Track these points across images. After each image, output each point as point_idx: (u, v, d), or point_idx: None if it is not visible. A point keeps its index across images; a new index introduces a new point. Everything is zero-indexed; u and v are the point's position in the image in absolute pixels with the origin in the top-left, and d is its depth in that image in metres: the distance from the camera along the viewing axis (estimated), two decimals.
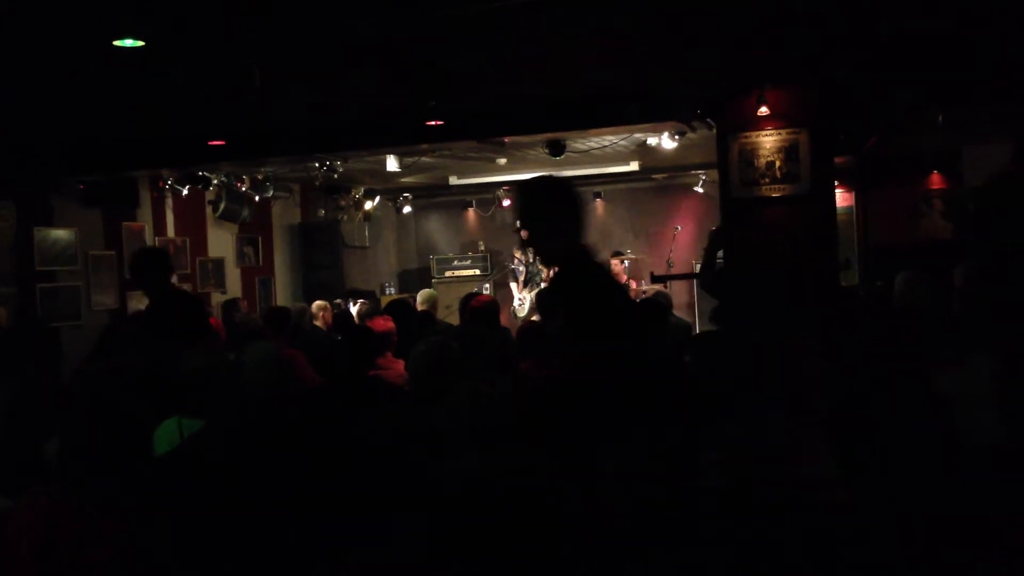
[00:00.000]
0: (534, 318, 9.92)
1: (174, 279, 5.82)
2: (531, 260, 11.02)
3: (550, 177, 3.47)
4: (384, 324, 6.12)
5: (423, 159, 9.53)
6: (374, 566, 2.02)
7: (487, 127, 7.37)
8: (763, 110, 6.05)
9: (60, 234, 8.51)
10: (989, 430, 2.34)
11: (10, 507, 2.72)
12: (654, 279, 9.35)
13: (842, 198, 10.31)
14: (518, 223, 3.30)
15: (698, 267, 6.18)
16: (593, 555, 2.39)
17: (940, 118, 7.19)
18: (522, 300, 11.02)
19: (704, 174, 11.07)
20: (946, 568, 1.85)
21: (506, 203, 12.93)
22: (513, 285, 11.28)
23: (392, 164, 9.04)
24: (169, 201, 9.92)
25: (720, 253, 5.78)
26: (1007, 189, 4.55)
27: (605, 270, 3.70)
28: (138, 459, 2.90)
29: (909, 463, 2.22)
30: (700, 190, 11.52)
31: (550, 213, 3.24)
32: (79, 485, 2.62)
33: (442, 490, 1.90)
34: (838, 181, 9.95)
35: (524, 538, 1.90)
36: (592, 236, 12.63)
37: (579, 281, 3.24)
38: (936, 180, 9.98)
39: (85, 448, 2.72)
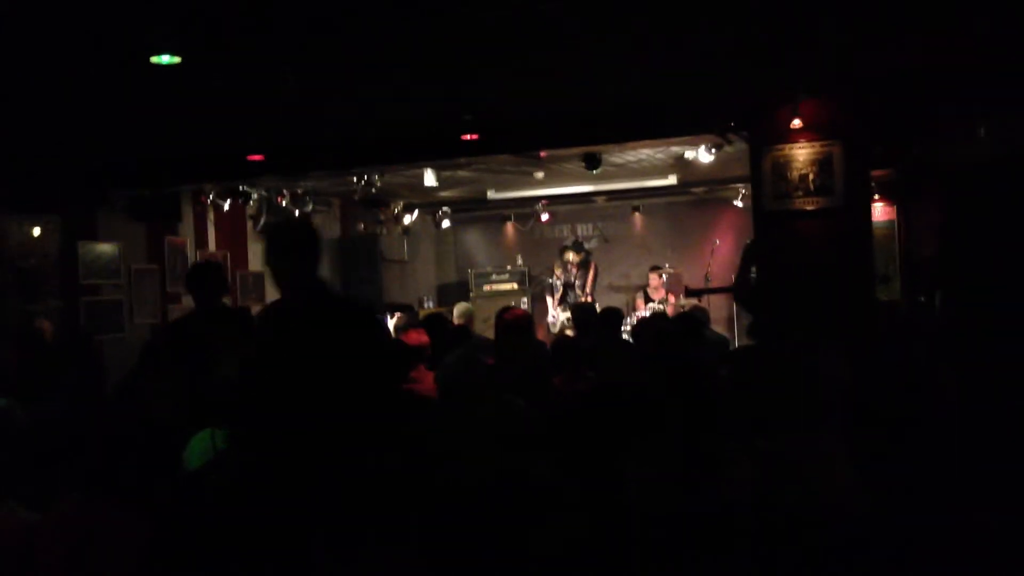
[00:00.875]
0: (568, 332, 9.90)
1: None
2: (571, 279, 11.02)
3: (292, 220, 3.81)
4: (417, 337, 6.14)
5: (460, 173, 9.57)
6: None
7: (523, 140, 7.39)
8: (796, 122, 6.00)
9: (104, 248, 8.66)
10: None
11: (39, 519, 2.76)
12: (688, 293, 9.30)
13: (884, 212, 10.18)
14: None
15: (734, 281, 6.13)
16: (613, 564, 2.38)
17: (982, 130, 7.07)
18: (555, 316, 11.02)
19: (743, 187, 10.99)
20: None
21: (544, 217, 12.93)
22: (549, 300, 11.27)
23: (430, 178, 9.09)
24: (211, 216, 10.06)
25: (754, 267, 5.74)
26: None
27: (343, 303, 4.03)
28: (170, 471, 2.95)
29: (952, 478, 2.19)
30: (739, 204, 11.44)
31: (292, 252, 3.56)
32: (111, 495, 2.66)
33: (455, 495, 1.91)
34: (880, 194, 9.86)
35: (531, 543, 1.90)
36: (631, 250, 12.61)
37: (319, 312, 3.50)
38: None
39: (121, 459, 2.76)
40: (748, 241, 6.31)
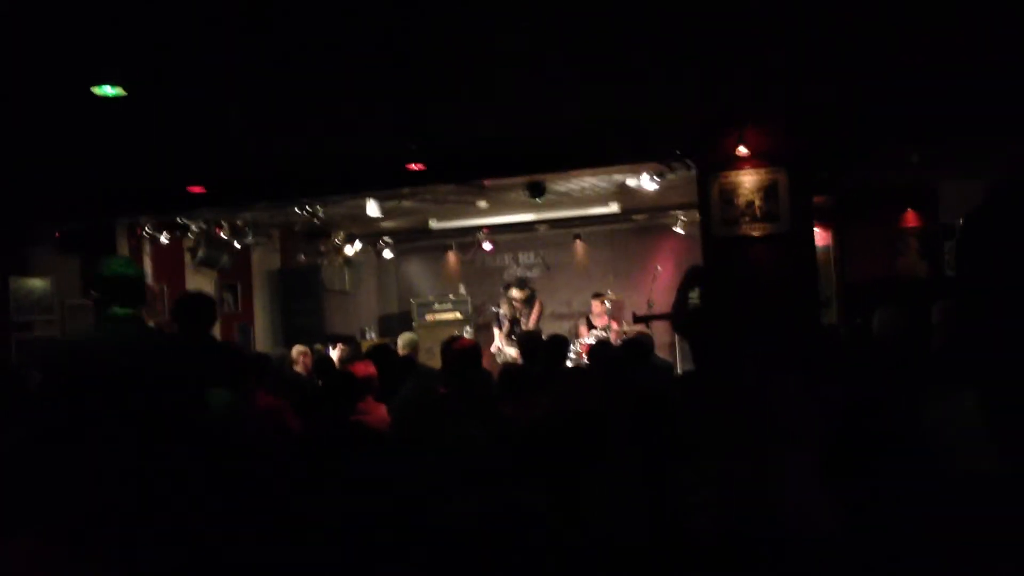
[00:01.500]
0: (510, 357, 9.88)
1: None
2: (517, 315, 11.06)
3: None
4: (365, 369, 6.07)
5: (404, 203, 9.53)
6: None
7: (468, 170, 7.40)
8: (742, 150, 6.11)
9: (36, 283, 8.42)
10: (976, 460, 2.34)
11: None
12: (636, 319, 9.35)
13: (820, 236, 10.39)
14: None
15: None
16: None
17: (915, 156, 7.28)
18: (500, 348, 11.02)
19: (683, 214, 11.14)
20: None
21: (487, 246, 12.93)
22: (496, 332, 11.27)
23: (373, 209, 9.03)
24: (147, 248, 9.85)
25: (693, 293, 5.78)
26: (983, 225, 4.59)
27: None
28: (122, 505, 2.85)
29: (897, 493, 2.22)
30: (680, 231, 11.58)
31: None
32: (62, 533, 2.55)
33: (441, 533, 1.86)
34: (816, 219, 10.06)
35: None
36: (573, 277, 12.60)
37: None
38: (912, 218, 10.08)
39: (71, 495, 2.66)
40: (687, 267, 6.37)
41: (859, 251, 10.02)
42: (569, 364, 8.09)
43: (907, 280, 9.69)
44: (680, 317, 5.58)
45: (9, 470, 2.84)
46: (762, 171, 6.12)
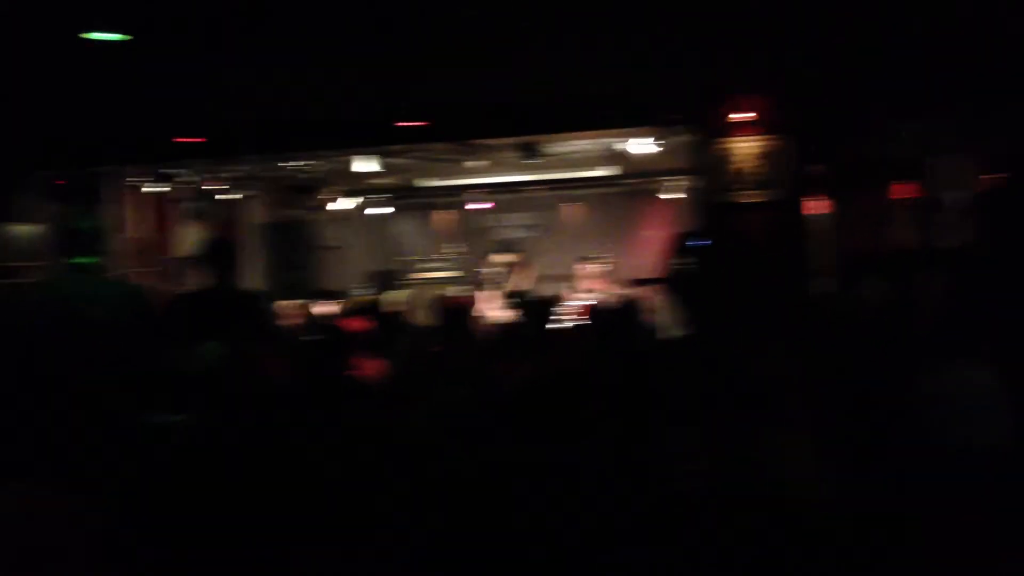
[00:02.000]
0: (507, 318, 9.89)
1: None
2: (506, 278, 11.05)
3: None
4: (357, 324, 6.10)
5: (394, 160, 9.48)
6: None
7: (460, 129, 7.35)
8: (740, 117, 6.09)
9: (24, 230, 8.36)
10: (975, 431, 2.36)
11: None
12: (636, 283, 9.36)
13: (821, 205, 10.40)
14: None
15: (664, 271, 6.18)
16: (579, 549, 2.38)
17: (907, 128, 7.27)
18: (489, 309, 11.02)
19: (677, 180, 11.12)
20: (935, 564, 1.87)
21: (477, 205, 12.89)
22: (485, 293, 11.27)
23: (362, 164, 8.98)
24: (134, 199, 9.76)
25: (682, 258, 5.78)
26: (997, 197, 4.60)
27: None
28: (120, 452, 2.87)
29: (892, 461, 2.24)
30: (672, 196, 11.56)
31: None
32: (59, 478, 2.57)
33: (434, 489, 1.87)
34: (817, 189, 10.06)
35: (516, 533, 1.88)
36: (563, 240, 12.62)
37: None
38: (904, 189, 10.07)
39: (68, 441, 2.68)
40: (679, 231, 6.37)
41: (855, 221, 10.03)
42: (555, 326, 8.11)
43: (898, 251, 9.71)
44: (671, 281, 5.60)
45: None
46: (759, 138, 6.11)
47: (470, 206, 12.98)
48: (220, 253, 5.22)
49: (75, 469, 2.66)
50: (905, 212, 9.83)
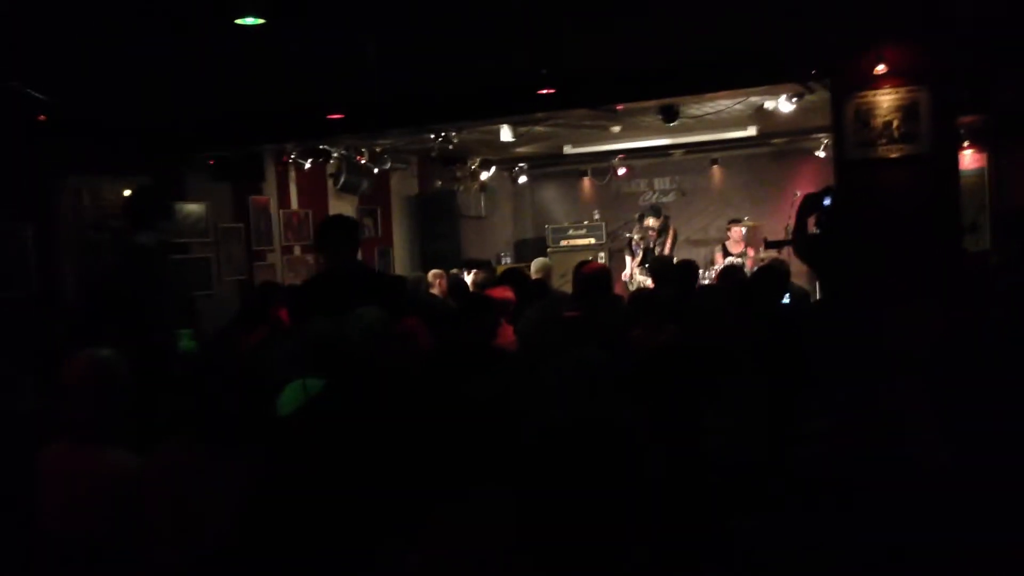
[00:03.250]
0: (647, 284, 9.86)
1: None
2: (651, 244, 10.98)
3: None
4: (502, 293, 6.24)
5: (537, 128, 9.56)
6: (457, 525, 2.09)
7: (600, 94, 7.35)
8: (880, 68, 5.84)
9: (192, 208, 8.92)
10: None
11: (142, 462, 2.92)
12: (768, 245, 9.17)
13: (973, 159, 9.86)
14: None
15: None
16: (691, 511, 2.43)
17: None
18: (632, 275, 11.00)
19: (825, 137, 10.75)
20: None
21: (621, 171, 12.84)
22: (628, 260, 11.26)
23: (506, 134, 9.11)
24: (292, 175, 10.26)
25: (813, 219, 5.60)
26: None
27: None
28: (264, 415, 3.09)
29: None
30: (821, 154, 11.20)
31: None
32: (211, 437, 2.80)
33: (532, 440, 1.97)
34: (969, 141, 9.54)
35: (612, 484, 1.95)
36: (709, 203, 12.49)
37: None
38: None
39: (219, 405, 2.90)
40: (808, 193, 6.19)
41: (1015, 175, 9.46)
42: (701, 288, 8.03)
43: None
44: (800, 243, 5.47)
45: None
46: (902, 90, 5.84)
47: (615, 172, 12.95)
48: (331, 233, 5.14)
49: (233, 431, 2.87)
50: None
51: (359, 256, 5.65)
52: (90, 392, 3.04)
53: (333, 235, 5.15)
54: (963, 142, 9.27)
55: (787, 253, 8.73)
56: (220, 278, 9.17)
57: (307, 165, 9.98)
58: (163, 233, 4.97)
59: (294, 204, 10.34)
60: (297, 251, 10.33)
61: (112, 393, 3.08)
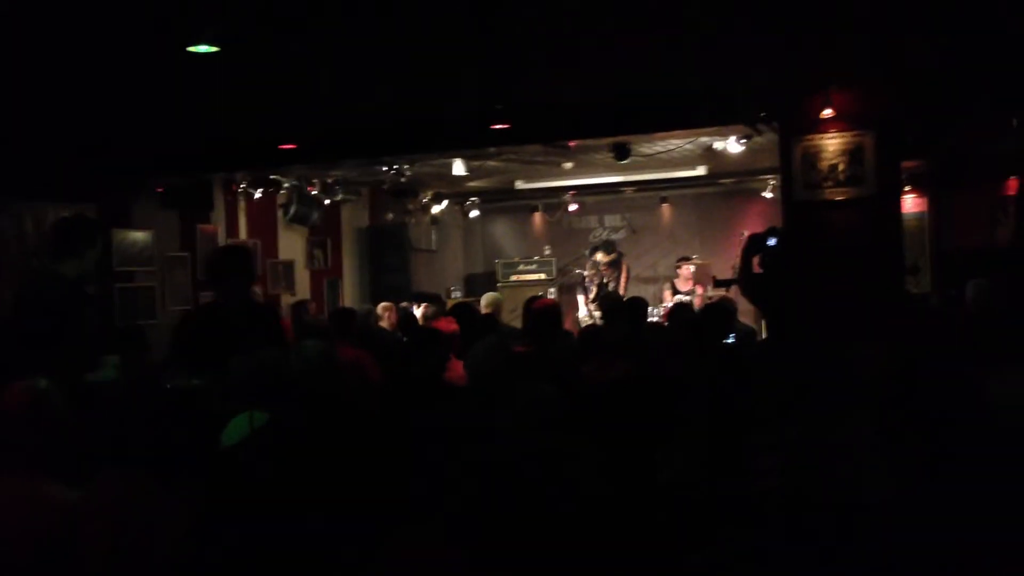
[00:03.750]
0: (597, 322, 9.91)
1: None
2: (603, 279, 11.06)
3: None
4: (448, 326, 6.22)
5: (490, 163, 9.61)
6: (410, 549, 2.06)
7: (553, 130, 7.41)
8: (827, 112, 5.99)
9: (138, 236, 8.78)
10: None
11: (79, 497, 2.83)
12: (716, 284, 9.30)
13: (915, 203, 10.10)
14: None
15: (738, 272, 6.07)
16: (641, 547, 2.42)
17: (1015, 121, 7.01)
18: (588, 313, 11.06)
19: (772, 178, 10.95)
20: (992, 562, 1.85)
21: (572, 207, 12.94)
22: (581, 298, 11.32)
23: (459, 168, 9.14)
24: (242, 204, 10.17)
25: (757, 259, 5.69)
26: None
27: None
28: (207, 447, 3.03)
29: (957, 462, 2.22)
30: (768, 195, 11.40)
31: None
32: (151, 470, 2.73)
33: (480, 474, 1.95)
34: (911, 185, 9.78)
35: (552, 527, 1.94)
36: (659, 241, 12.56)
37: None
38: (1013, 185, 9.69)
39: (160, 437, 2.84)
40: (752, 232, 6.29)
41: (956, 219, 9.71)
42: (650, 326, 8.09)
43: (1006, 250, 9.36)
44: (745, 283, 5.53)
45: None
46: (847, 134, 6.00)
47: (566, 208, 13.03)
48: (223, 263, 5.02)
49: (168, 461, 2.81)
50: (1014, 209, 9.48)
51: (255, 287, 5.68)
52: (25, 423, 2.96)
53: (226, 265, 5.03)
54: (905, 186, 9.50)
55: (735, 292, 8.85)
56: (165, 307, 9.01)
57: (257, 195, 9.90)
58: (88, 262, 4.87)
59: (243, 234, 10.23)
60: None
61: (47, 424, 3.00)
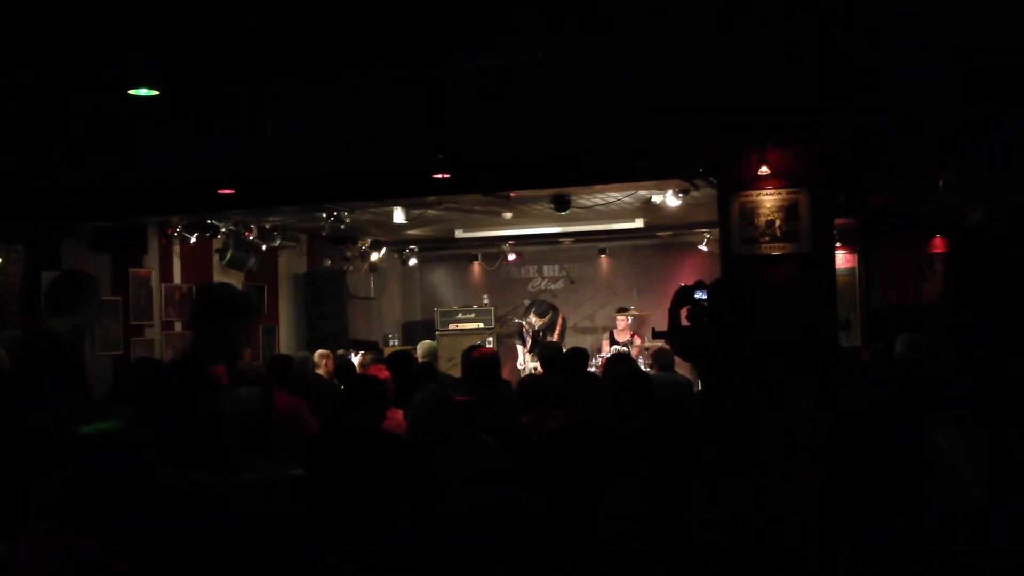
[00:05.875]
0: (535, 371, 9.93)
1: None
2: (539, 334, 11.17)
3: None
4: (378, 374, 6.16)
5: (429, 212, 9.62)
6: None
7: (493, 181, 7.46)
8: (764, 169, 6.15)
9: None
10: (962, 492, 2.35)
11: (4, 548, 2.72)
12: (655, 335, 9.38)
13: (845, 259, 10.37)
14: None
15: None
16: None
17: (941, 182, 7.27)
18: (524, 364, 11.12)
19: (708, 232, 11.17)
20: None
21: (511, 257, 13.00)
22: (520, 348, 11.37)
23: (399, 216, 9.14)
24: (177, 248, 10.00)
25: (684, 312, 5.72)
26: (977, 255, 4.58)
27: None
28: (142, 498, 2.93)
29: (897, 516, 2.25)
30: (704, 248, 11.61)
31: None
32: (82, 523, 2.64)
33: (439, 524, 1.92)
34: (841, 242, 10.05)
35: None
36: (597, 291, 12.70)
37: None
38: (939, 244, 10.03)
39: (91, 488, 2.74)
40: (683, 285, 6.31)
41: (884, 275, 9.99)
42: (587, 376, 8.13)
43: (932, 306, 9.64)
44: (673, 337, 5.51)
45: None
46: (783, 191, 6.16)
47: (505, 257, 13.10)
48: (62, 290, 4.89)
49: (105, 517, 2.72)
50: (940, 266, 9.80)
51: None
52: None
53: (62, 292, 4.90)
54: (836, 243, 9.76)
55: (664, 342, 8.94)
56: (93, 352, 8.78)
57: (193, 239, 9.75)
58: (83, 317, 4.83)
59: (177, 278, 10.05)
60: (178, 327, 10.01)
61: None
